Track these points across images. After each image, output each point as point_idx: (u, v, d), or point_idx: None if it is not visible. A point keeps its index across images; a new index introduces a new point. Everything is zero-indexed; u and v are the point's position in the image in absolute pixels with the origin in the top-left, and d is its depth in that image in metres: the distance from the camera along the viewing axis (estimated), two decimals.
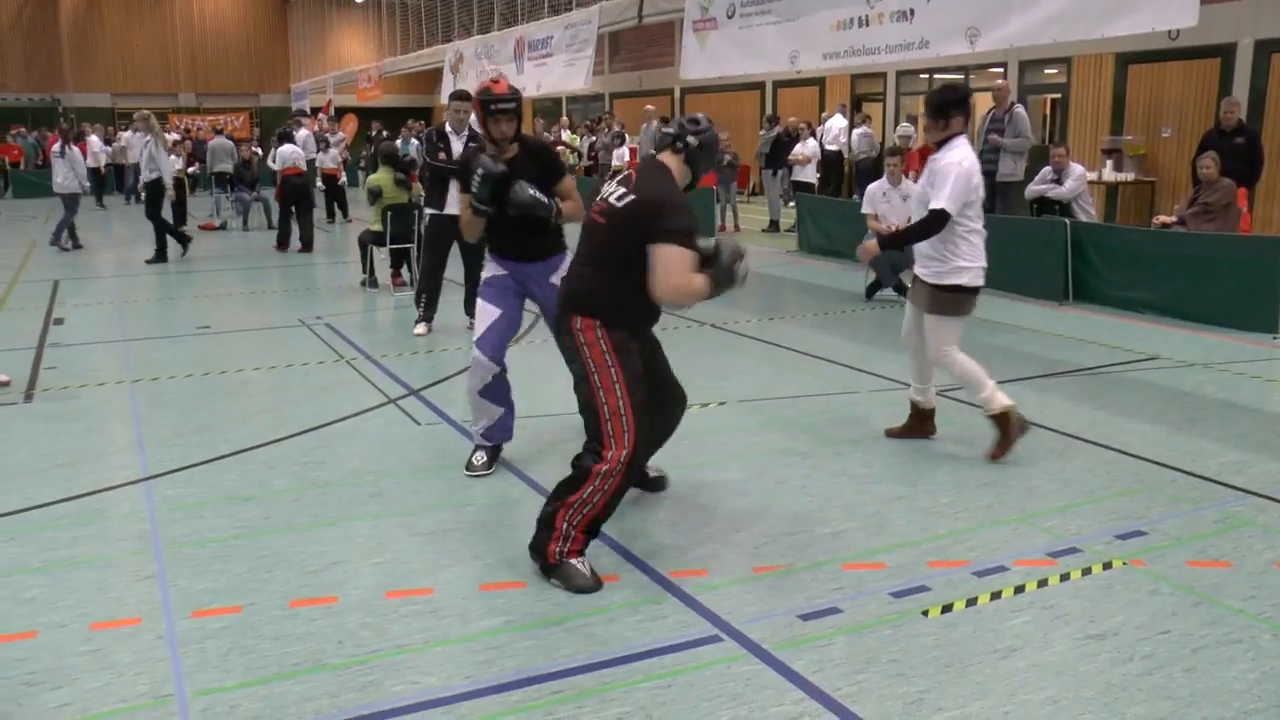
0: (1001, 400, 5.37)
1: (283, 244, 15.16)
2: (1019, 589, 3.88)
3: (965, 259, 5.35)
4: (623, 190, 4.03)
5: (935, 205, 5.22)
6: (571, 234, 4.57)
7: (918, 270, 5.52)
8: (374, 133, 24.42)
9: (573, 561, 3.92)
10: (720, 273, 4.00)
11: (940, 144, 5.36)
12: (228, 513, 4.73)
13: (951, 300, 5.40)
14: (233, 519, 4.65)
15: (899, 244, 5.78)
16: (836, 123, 18.40)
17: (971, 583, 3.94)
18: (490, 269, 5.38)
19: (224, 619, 3.69)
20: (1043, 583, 3.94)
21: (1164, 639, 3.50)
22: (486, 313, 5.26)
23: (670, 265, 3.87)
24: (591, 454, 3.97)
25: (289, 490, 5.03)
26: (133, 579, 4.05)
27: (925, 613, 3.69)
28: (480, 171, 4.89)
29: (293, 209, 15.01)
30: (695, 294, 3.96)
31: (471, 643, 3.50)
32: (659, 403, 4.29)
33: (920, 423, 5.81)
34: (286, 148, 15.71)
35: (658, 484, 4.90)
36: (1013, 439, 5.35)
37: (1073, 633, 3.55)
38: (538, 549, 3.98)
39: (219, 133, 22.34)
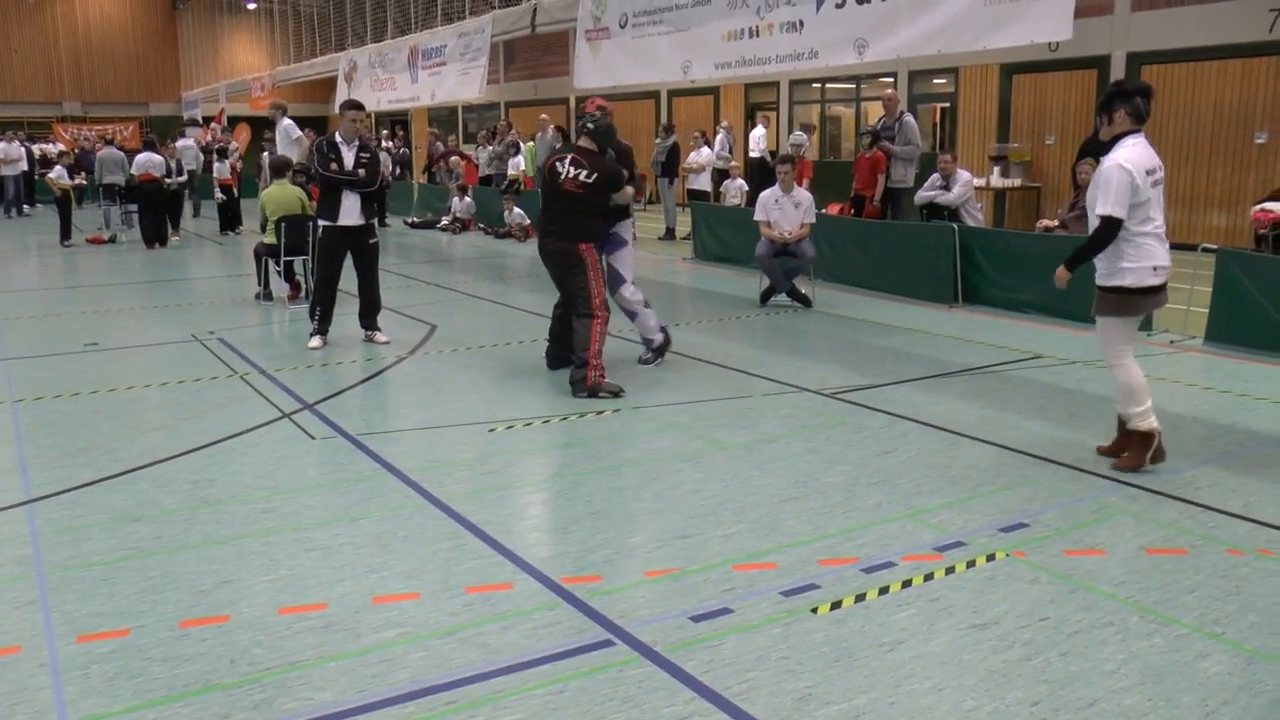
0: (1151, 422, 5.27)
1: (150, 242, 16.70)
2: (906, 583, 4.00)
3: (1129, 260, 5.18)
4: (585, 171, 6.98)
5: (1100, 211, 5.11)
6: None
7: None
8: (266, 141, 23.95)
9: (605, 381, 6.89)
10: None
11: (1110, 143, 5.22)
12: (116, 534, 4.61)
13: (1113, 301, 5.28)
14: (121, 540, 4.54)
15: (1082, 260, 5.32)
16: (758, 132, 18.61)
17: (860, 579, 4.04)
18: None
19: (110, 643, 3.60)
20: (929, 576, 4.06)
21: (1043, 626, 3.64)
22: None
23: (625, 193, 7.25)
24: (579, 317, 6.94)
25: (180, 509, 4.92)
26: (12, 606, 3.93)
27: (815, 610, 3.78)
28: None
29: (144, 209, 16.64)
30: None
31: (365, 656, 3.48)
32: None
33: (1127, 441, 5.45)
34: (144, 155, 17.13)
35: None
36: (1144, 461, 5.27)
37: (957, 623, 3.67)
38: (580, 383, 6.83)
39: (108, 143, 21.70)
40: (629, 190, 7.50)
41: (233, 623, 3.73)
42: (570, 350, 7.06)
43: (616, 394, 6.80)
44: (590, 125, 7.09)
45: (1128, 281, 5.19)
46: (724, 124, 19.48)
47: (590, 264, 7.01)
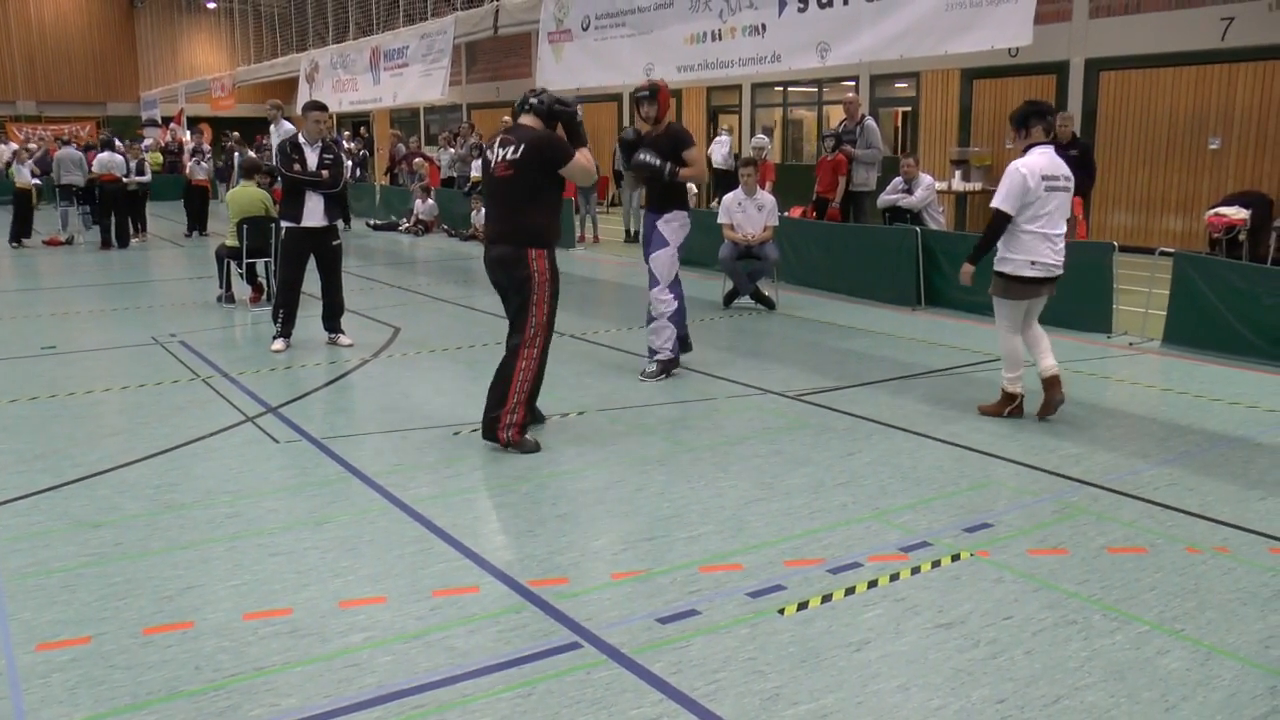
0: (1018, 387, 6.39)
1: (108, 243, 16.64)
2: (872, 584, 4.03)
3: (1011, 250, 6.10)
4: (512, 148, 5.53)
5: (992, 204, 6.09)
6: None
7: None
8: (228, 143, 23.69)
9: (520, 438, 5.63)
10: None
11: (1025, 152, 6.12)
12: (76, 540, 4.55)
13: (996, 283, 6.24)
14: (82, 547, 4.47)
15: (980, 252, 6.30)
16: (722, 141, 18.60)
17: (826, 580, 4.07)
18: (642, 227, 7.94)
19: (72, 651, 3.55)
20: (894, 577, 4.10)
21: (1007, 624, 3.69)
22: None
23: (578, 166, 5.62)
24: (510, 343, 5.65)
25: (142, 514, 4.87)
26: None
27: (781, 611, 3.80)
28: (619, 140, 7.63)
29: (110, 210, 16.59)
30: (592, 166, 5.83)
31: (331, 661, 3.46)
32: None
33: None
34: (105, 154, 16.89)
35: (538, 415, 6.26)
36: (1001, 412, 6.38)
37: (923, 623, 3.70)
38: (491, 431, 5.64)
39: (65, 143, 21.41)
40: (689, 167, 7.18)
41: (197, 629, 3.70)
42: (492, 406, 5.75)
43: (534, 451, 5.68)
44: (534, 101, 5.74)
45: (1007, 269, 6.13)
46: (725, 128, 19.50)
47: (539, 279, 5.59)
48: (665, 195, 7.31)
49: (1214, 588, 3.98)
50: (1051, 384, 6.24)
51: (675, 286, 7.35)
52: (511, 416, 5.60)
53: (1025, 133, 6.12)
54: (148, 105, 37.43)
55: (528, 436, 5.71)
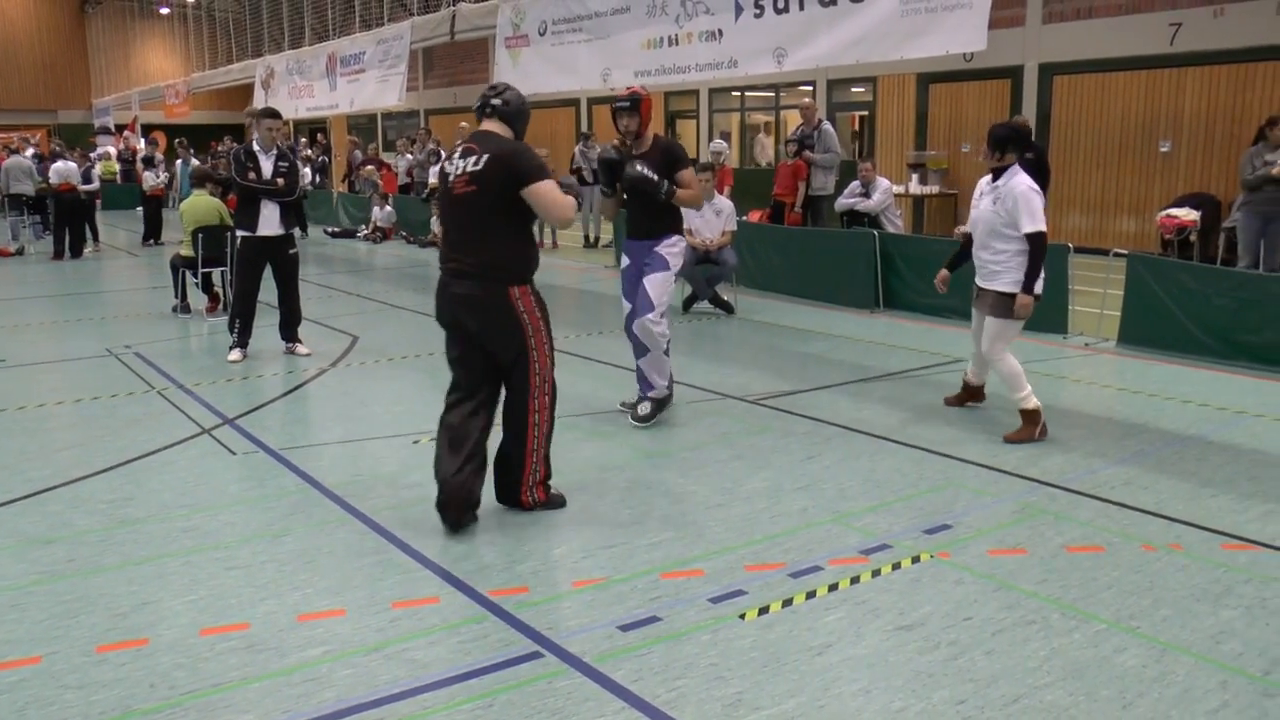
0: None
1: (60, 254, 16.42)
2: (833, 587, 4.04)
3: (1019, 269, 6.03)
4: (473, 158, 4.52)
5: (1031, 229, 5.88)
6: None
7: (990, 282, 6.12)
8: (180, 150, 23.38)
9: (550, 495, 4.90)
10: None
11: (998, 173, 6.06)
12: (27, 558, 4.46)
13: (1008, 304, 6.06)
14: (32, 564, 4.39)
15: (1036, 278, 6.00)
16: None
17: (787, 584, 4.08)
18: (623, 259, 6.59)
19: (20, 671, 3.48)
20: (855, 580, 4.11)
21: (967, 625, 3.71)
22: (626, 306, 6.52)
23: (549, 195, 4.52)
24: (513, 393, 4.72)
25: (95, 530, 4.78)
26: None
27: (742, 616, 3.80)
28: (598, 159, 6.38)
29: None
30: (571, 209, 4.67)
31: (290, 675, 3.41)
32: None
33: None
34: (60, 164, 16.73)
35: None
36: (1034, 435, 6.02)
37: (883, 625, 3.72)
38: (511, 496, 4.83)
39: (13, 152, 21.07)
40: (686, 189, 6.14)
41: (152, 646, 3.64)
42: (507, 469, 4.90)
43: (559, 507, 4.94)
44: (496, 102, 4.69)
45: (1039, 289, 6.06)
46: (721, 133, 19.53)
47: (529, 320, 4.62)
48: (660, 218, 6.30)
49: (1168, 585, 4.04)
50: (980, 391, 6.74)
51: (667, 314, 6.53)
52: (534, 476, 4.81)
53: (1000, 155, 6.03)
54: (100, 113, 36.91)
55: (554, 491, 4.96)
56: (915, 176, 16.47)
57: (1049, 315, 8.99)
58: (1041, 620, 3.74)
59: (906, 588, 4.04)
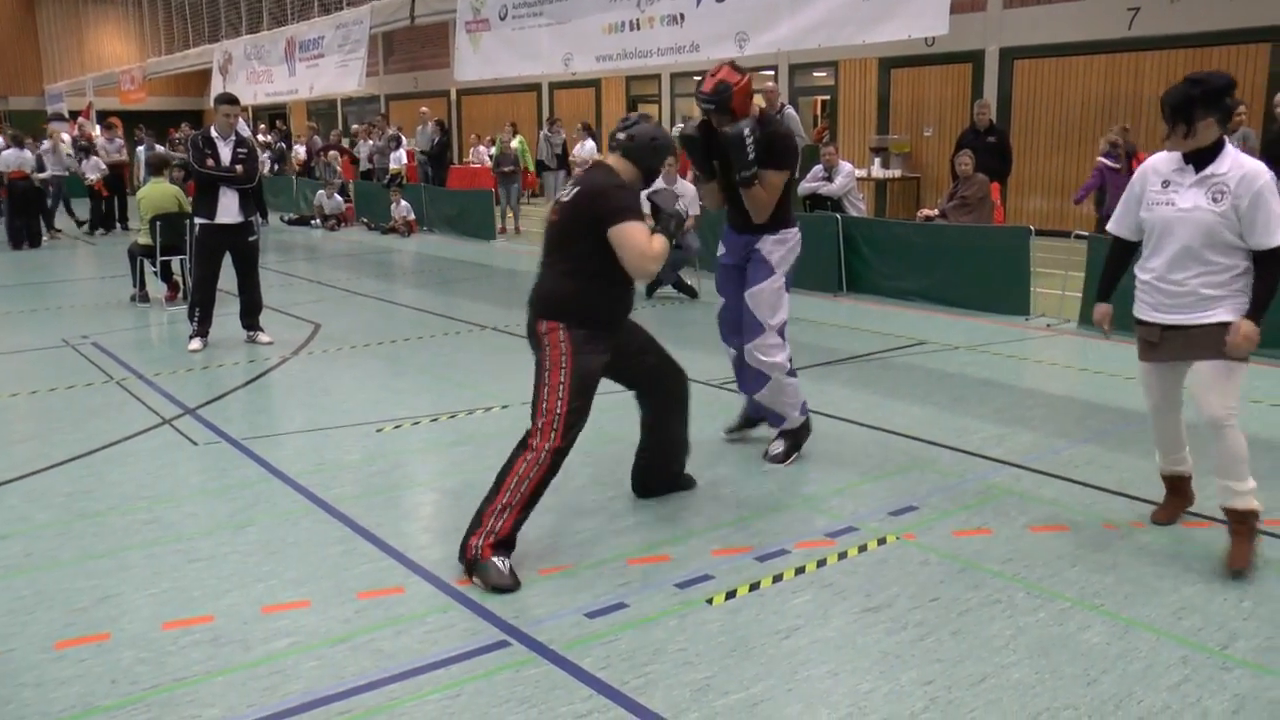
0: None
1: (19, 243, 16.11)
2: (800, 570, 4.05)
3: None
4: (572, 188, 4.31)
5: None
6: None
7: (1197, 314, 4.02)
8: (139, 137, 22.96)
9: (494, 560, 3.95)
10: (667, 221, 4.32)
11: (1201, 156, 3.93)
12: None
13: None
14: None
15: (1267, 306, 3.94)
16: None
17: (754, 568, 4.08)
18: (719, 246, 5.54)
19: None
20: (822, 562, 4.12)
21: (934, 606, 3.73)
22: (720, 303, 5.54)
23: (631, 239, 4.10)
24: (522, 444, 4.18)
25: (53, 523, 4.70)
26: None
27: (710, 601, 3.80)
28: (680, 137, 5.41)
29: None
30: (660, 256, 4.21)
31: (255, 668, 3.38)
32: (655, 382, 4.74)
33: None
34: (10, 152, 16.61)
35: (687, 481, 5.03)
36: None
37: (850, 607, 3.73)
38: (462, 548, 4.04)
39: None
40: (762, 190, 5.06)
41: (113, 640, 3.58)
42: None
43: (499, 587, 3.91)
44: (620, 136, 4.34)
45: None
46: (684, 117, 19.49)
47: (553, 359, 4.17)
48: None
49: (1130, 562, 4.08)
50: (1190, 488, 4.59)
51: (727, 336, 5.49)
52: (494, 522, 4.01)
53: (1189, 128, 3.88)
54: (53, 99, 36.17)
55: (500, 562, 3.97)
56: (877, 160, 16.52)
57: (1011, 297, 9.09)
58: (1007, 600, 3.77)
59: (873, 570, 4.05)
